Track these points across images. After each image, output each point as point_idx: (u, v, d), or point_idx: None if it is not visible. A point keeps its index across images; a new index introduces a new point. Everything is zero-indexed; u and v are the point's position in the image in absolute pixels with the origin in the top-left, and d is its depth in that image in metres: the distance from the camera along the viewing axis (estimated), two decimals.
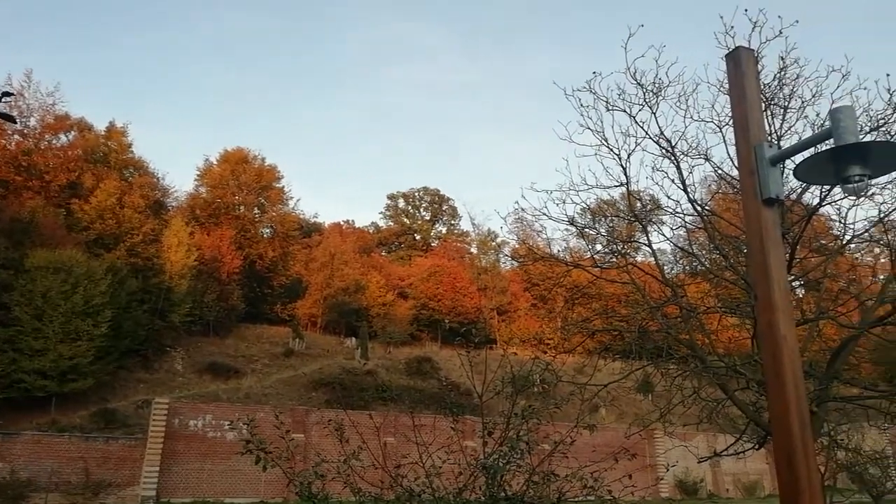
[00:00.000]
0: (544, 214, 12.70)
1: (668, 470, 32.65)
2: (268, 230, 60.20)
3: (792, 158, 3.38)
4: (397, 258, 74.56)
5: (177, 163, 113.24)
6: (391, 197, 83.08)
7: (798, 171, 3.16)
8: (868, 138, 10.15)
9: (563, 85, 11.49)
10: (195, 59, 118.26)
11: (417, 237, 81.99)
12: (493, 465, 5.46)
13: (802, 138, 10.64)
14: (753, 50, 3.45)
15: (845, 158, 2.89)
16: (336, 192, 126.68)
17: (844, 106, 3.13)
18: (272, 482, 28.53)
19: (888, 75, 9.62)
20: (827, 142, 3.07)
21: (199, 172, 58.42)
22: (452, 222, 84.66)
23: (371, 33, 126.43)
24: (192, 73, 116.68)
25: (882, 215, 10.59)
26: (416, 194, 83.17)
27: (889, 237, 10.78)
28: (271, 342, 49.92)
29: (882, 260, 13.08)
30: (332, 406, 33.82)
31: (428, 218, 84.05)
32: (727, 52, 10.00)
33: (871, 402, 11.86)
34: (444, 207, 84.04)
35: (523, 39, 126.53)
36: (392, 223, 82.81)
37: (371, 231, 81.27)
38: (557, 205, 12.52)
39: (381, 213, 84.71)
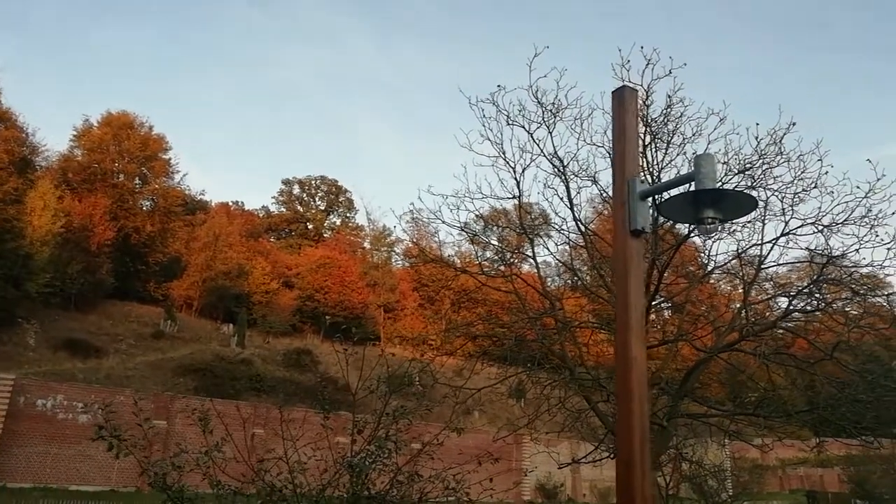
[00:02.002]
0: (438, 218, 12.95)
1: (526, 475, 34.01)
2: (148, 203, 56.69)
3: (661, 195, 3.69)
4: (286, 246, 72.65)
5: (52, 121, 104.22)
6: (286, 182, 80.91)
7: (663, 208, 3.45)
8: (736, 179, 11.17)
9: (469, 93, 11.81)
10: (88, 13, 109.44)
11: (310, 226, 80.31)
12: (358, 464, 5.50)
13: (680, 173, 11.54)
14: (636, 90, 3.71)
15: (702, 202, 3.20)
16: (228, 171, 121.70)
17: (707, 154, 3.46)
18: (126, 470, 26.93)
19: (757, 124, 10.64)
20: (691, 183, 3.37)
21: (76, 133, 54.14)
22: (348, 215, 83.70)
23: (279, 9, 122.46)
24: (82, 26, 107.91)
25: (739, 251, 11.66)
26: (313, 182, 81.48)
27: (744, 270, 11.87)
28: (140, 322, 47.08)
29: (739, 290, 14.33)
30: (201, 394, 32.39)
31: (323, 208, 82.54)
32: (621, 82, 10.65)
33: (714, 420, 13.00)
34: (341, 199, 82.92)
35: (437, 41, 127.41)
36: (284, 209, 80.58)
37: (261, 215, 78.67)
38: (451, 210, 12.78)
39: (273, 197, 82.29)
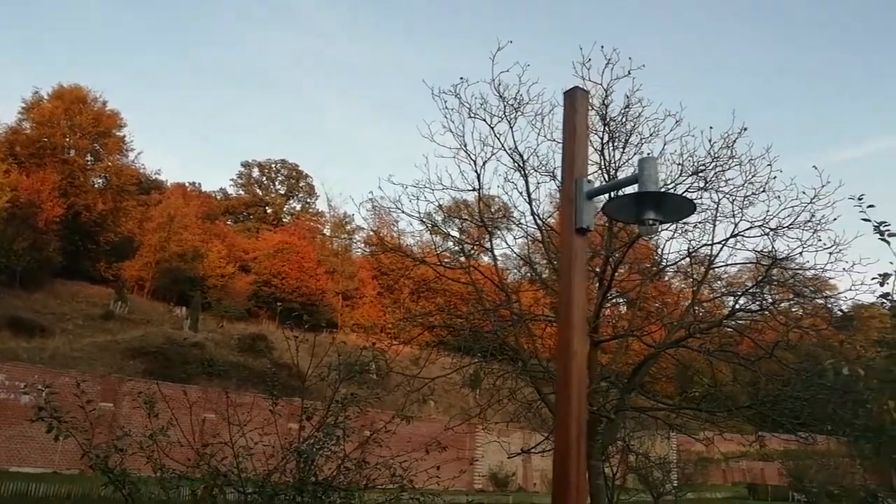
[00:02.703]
0: (398, 208, 12.96)
1: (471, 463, 34.42)
2: (100, 180, 55.01)
3: (608, 194, 3.78)
4: (244, 229, 71.48)
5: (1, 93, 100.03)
6: (245, 165, 79.50)
7: (606, 208, 3.56)
8: (690, 181, 11.47)
9: (435, 84, 11.83)
10: None
11: (269, 210, 79.17)
12: (306, 450, 5.52)
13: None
14: (588, 91, 3.80)
15: (644, 203, 3.31)
16: (185, 151, 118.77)
17: (650, 157, 3.58)
18: (69, 452, 26.29)
19: (711, 128, 10.94)
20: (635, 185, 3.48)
21: (24, 105, 52.08)
22: (308, 200, 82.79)
23: None
24: None
25: (690, 250, 12.00)
26: (274, 166, 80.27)
27: (693, 270, 12.23)
28: (89, 302, 45.82)
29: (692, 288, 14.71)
30: (151, 377, 31.73)
31: (283, 192, 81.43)
32: (582, 80, 10.78)
33: (660, 414, 13.38)
34: (302, 184, 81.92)
35: (405, 29, 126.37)
36: (243, 192, 79.22)
37: (219, 197, 77.16)
38: (411, 200, 12.83)
39: (232, 180, 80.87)
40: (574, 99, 3.80)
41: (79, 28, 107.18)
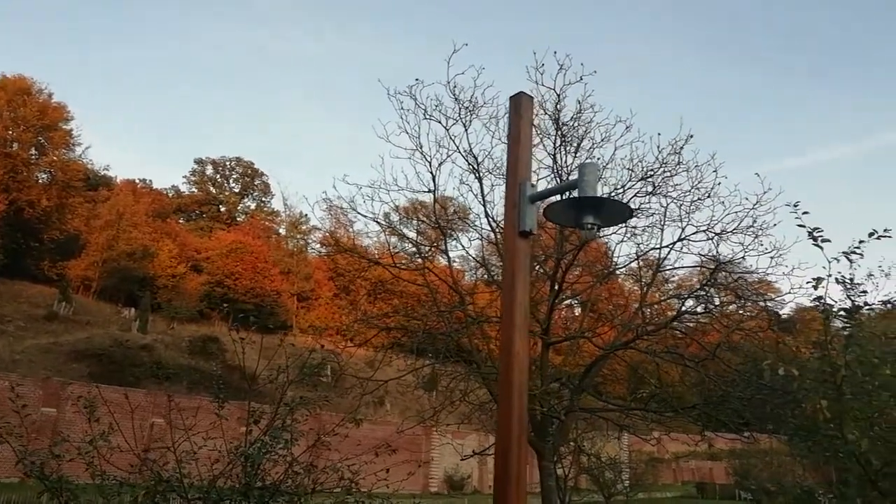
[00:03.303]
0: (352, 208, 12.90)
1: (419, 465, 34.39)
2: (45, 175, 53.02)
3: (550, 199, 3.86)
4: (197, 228, 69.90)
5: None
6: (199, 162, 77.81)
7: (547, 212, 3.63)
8: (638, 185, 11.74)
9: (388, 84, 11.81)
10: None
11: (223, 209, 77.64)
12: (252, 454, 5.45)
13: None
14: (532, 97, 3.86)
15: (583, 208, 3.40)
16: (136, 147, 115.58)
17: (590, 163, 3.67)
18: (9, 460, 25.20)
19: (659, 134, 11.22)
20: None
21: None
22: (263, 199, 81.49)
23: None
24: None
25: (638, 254, 12.28)
26: (228, 164, 78.79)
27: (641, 273, 12.53)
28: (31, 303, 44.14)
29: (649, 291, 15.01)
30: (97, 380, 30.76)
31: (237, 191, 79.98)
32: (535, 85, 10.92)
33: (610, 415, 13.66)
34: (257, 182, 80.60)
35: (363, 28, 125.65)
36: (196, 190, 77.49)
37: (171, 195, 75.30)
38: (366, 200, 12.78)
39: (185, 177, 78.98)
40: (519, 104, 3.87)
41: (23, 17, 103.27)
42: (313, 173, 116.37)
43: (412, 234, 15.18)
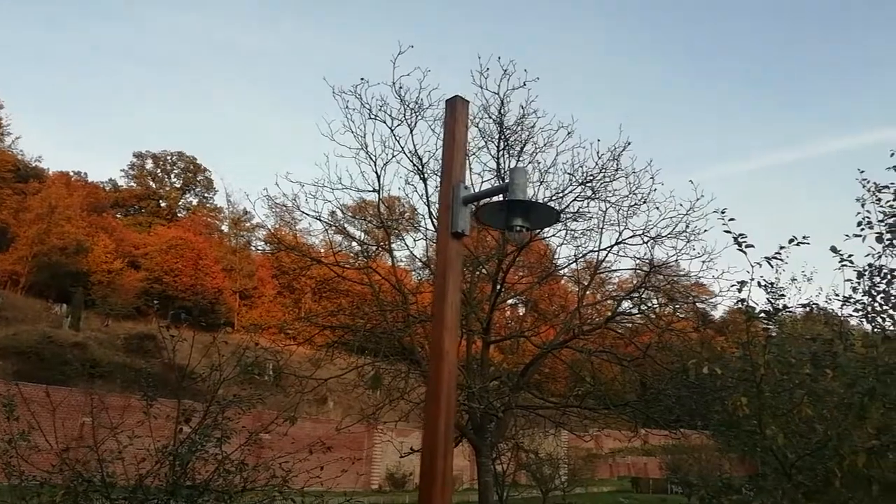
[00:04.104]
0: (295, 206, 12.78)
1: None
2: None
3: (483, 201, 3.94)
4: (135, 223, 67.55)
5: None
6: (138, 156, 75.16)
7: (479, 214, 3.72)
8: (578, 190, 12.04)
9: (338, 83, 11.77)
10: None
11: (163, 204, 75.24)
12: (182, 454, 5.35)
13: (530, 180, 12.22)
14: (468, 101, 3.94)
15: (513, 211, 3.50)
16: (71, 138, 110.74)
17: (520, 168, 3.77)
18: None
19: (599, 140, 11.54)
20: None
21: None
22: (206, 195, 79.32)
23: None
24: None
25: (577, 256, 12.59)
26: (169, 158, 76.37)
27: (579, 275, 12.86)
28: None
29: (588, 292, 15.36)
30: (23, 379, 29.42)
31: (179, 186, 77.63)
32: (480, 89, 11.06)
33: (548, 412, 13.93)
34: (200, 178, 78.40)
35: (312, 24, 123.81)
36: (135, 184, 74.84)
37: (107, 189, 72.54)
38: (309, 199, 12.69)
39: (123, 171, 76.09)
40: (455, 108, 3.94)
41: None
42: (257, 170, 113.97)
43: (358, 234, 15.14)
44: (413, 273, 19.89)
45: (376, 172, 11.99)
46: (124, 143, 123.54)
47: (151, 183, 75.69)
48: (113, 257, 52.93)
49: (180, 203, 77.17)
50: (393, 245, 13.49)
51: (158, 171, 76.26)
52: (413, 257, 15.66)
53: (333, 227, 13.84)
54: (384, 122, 11.64)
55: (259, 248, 59.47)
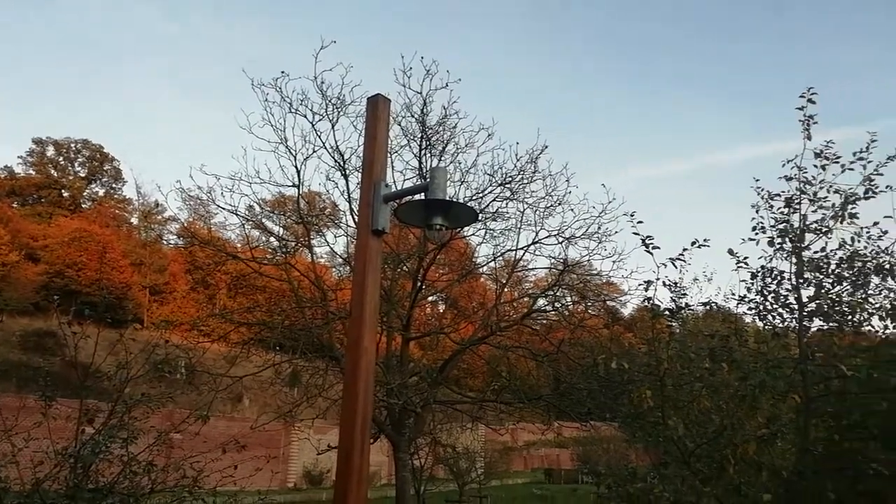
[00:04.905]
0: (210, 199, 12.36)
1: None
2: None
3: (403, 199, 4.00)
4: (34, 214, 63.22)
5: None
6: (38, 142, 70.25)
7: (398, 212, 3.77)
8: (498, 190, 12.29)
9: (253, 75, 11.47)
10: None
11: (66, 194, 70.77)
12: (82, 455, 5.11)
13: (452, 180, 12.37)
14: (389, 99, 3.98)
15: (432, 210, 3.57)
16: None
17: (440, 167, 3.85)
18: None
19: (518, 143, 11.83)
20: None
21: None
22: (114, 185, 75.13)
23: None
24: None
25: (495, 255, 12.87)
26: (73, 146, 71.85)
27: (497, 273, 13.14)
28: None
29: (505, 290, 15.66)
30: None
31: (83, 175, 73.22)
32: (403, 88, 11.10)
33: (465, 407, 14.16)
34: (107, 167, 74.20)
35: (228, 11, 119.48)
36: (34, 172, 70.01)
37: (3, 176, 67.58)
38: (224, 193, 12.33)
39: (20, 158, 71.03)
40: (376, 106, 3.97)
41: None
42: (170, 161, 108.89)
43: (277, 229, 14.83)
44: (333, 270, 19.69)
45: (296, 167, 11.81)
46: (23, 129, 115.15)
47: (53, 171, 71.04)
48: (8, 249, 49.40)
49: (85, 193, 72.82)
50: (313, 241, 13.33)
51: (61, 158, 71.66)
52: (333, 254, 15.52)
53: (251, 222, 13.50)
54: (305, 117, 11.48)
55: (171, 242, 57.19)
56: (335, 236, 14.88)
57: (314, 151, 11.73)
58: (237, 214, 12.32)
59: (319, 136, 11.58)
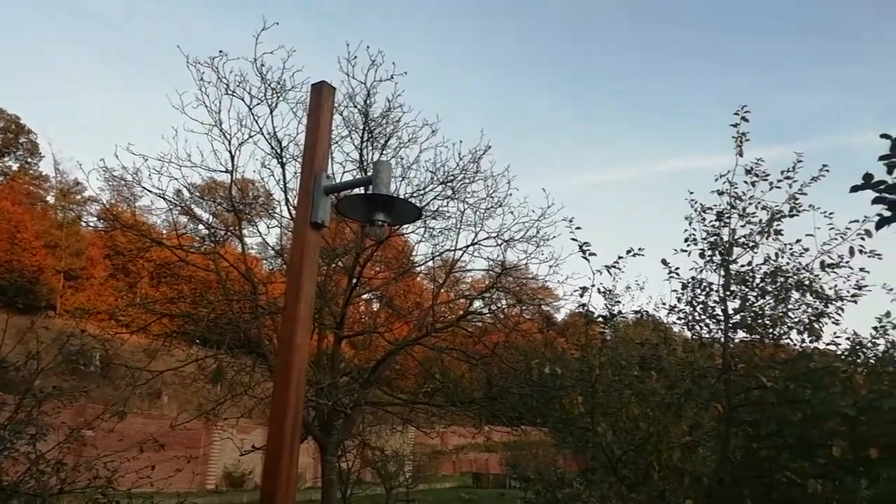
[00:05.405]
0: (137, 182, 11.75)
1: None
2: None
3: (345, 192, 3.84)
4: None
5: None
6: None
7: (339, 205, 3.63)
8: (439, 189, 12.22)
9: (188, 52, 10.98)
10: None
11: None
12: None
13: (393, 175, 12.24)
14: (334, 88, 3.83)
15: (375, 205, 3.44)
16: None
17: (384, 161, 3.74)
18: None
19: (461, 142, 11.81)
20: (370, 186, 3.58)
21: None
22: (29, 160, 70.76)
23: None
24: None
25: (434, 254, 12.80)
26: None
27: (435, 273, 13.09)
28: None
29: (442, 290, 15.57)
30: None
31: None
32: (346, 77, 10.87)
33: (396, 409, 14.01)
34: (22, 140, 69.83)
35: None
36: None
37: None
38: (152, 174, 11.73)
39: None
40: (320, 93, 3.80)
41: None
42: (94, 138, 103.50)
43: (206, 216, 14.26)
44: (264, 262, 19.14)
45: (230, 152, 11.37)
46: None
47: None
48: None
49: None
50: (244, 231, 12.88)
51: None
52: (266, 245, 15.06)
53: (179, 207, 12.91)
54: (242, 100, 11.08)
55: (91, 224, 54.25)
56: (268, 227, 14.47)
57: (250, 137, 11.34)
58: (164, 198, 11.77)
59: (257, 121, 11.21)
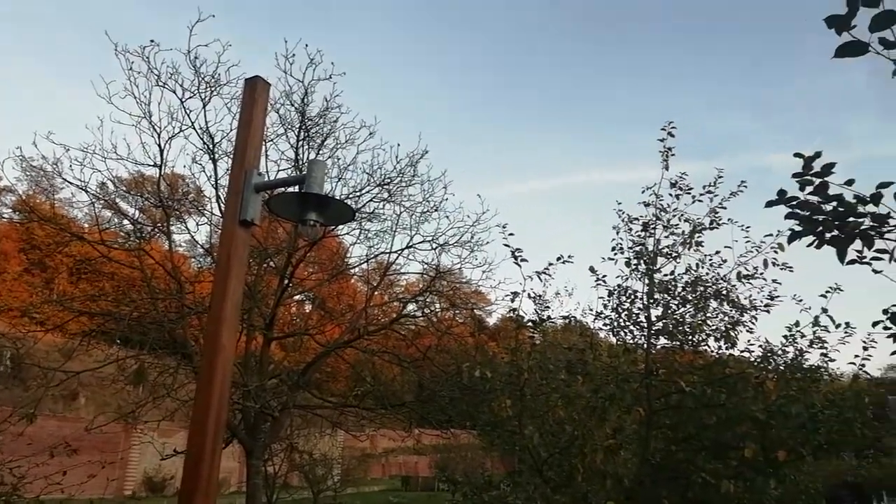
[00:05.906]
0: (57, 173, 11.17)
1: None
2: None
3: (276, 190, 3.78)
4: None
5: None
6: None
7: (271, 203, 3.56)
8: (376, 191, 12.16)
9: (118, 39, 10.51)
10: None
11: None
12: None
13: (329, 175, 12.07)
14: (269, 84, 3.77)
15: (308, 204, 3.40)
16: None
17: (319, 160, 3.70)
18: None
19: (399, 145, 11.81)
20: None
21: None
22: None
23: None
24: None
25: (368, 256, 12.73)
26: None
27: (369, 275, 13.03)
28: None
29: (377, 293, 15.46)
30: None
31: None
32: (284, 74, 10.68)
33: (325, 412, 13.83)
34: None
35: None
36: None
37: None
38: (73, 166, 11.13)
39: None
40: (254, 88, 3.73)
41: None
42: (9, 125, 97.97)
43: (132, 211, 13.68)
44: (192, 260, 18.53)
45: (159, 145, 10.95)
46: None
47: None
48: None
49: None
50: (172, 228, 12.42)
51: None
52: (194, 243, 14.57)
53: (102, 201, 12.33)
54: (174, 92, 10.70)
55: (5, 215, 51.13)
56: (197, 224, 14.02)
57: (181, 130, 10.96)
58: (87, 191, 11.22)
59: (188, 115, 10.85)
